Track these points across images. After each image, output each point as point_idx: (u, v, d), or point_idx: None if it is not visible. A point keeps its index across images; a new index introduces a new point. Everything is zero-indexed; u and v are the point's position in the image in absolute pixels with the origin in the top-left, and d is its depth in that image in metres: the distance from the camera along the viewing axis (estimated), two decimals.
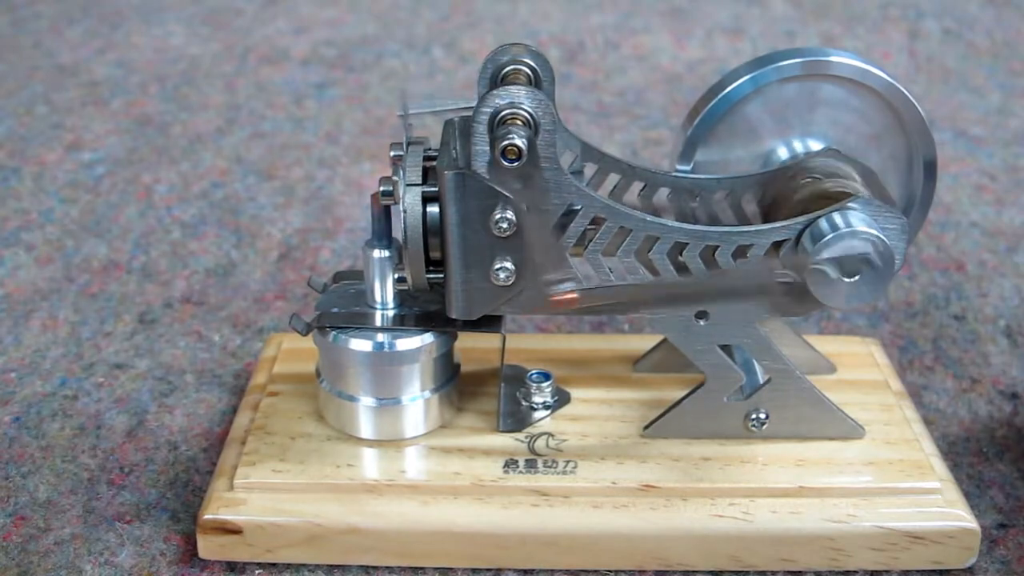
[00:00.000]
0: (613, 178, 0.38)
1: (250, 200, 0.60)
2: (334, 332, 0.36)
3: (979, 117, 0.71)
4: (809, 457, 0.37)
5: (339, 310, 0.37)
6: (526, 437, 0.38)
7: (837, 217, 0.33)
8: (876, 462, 0.37)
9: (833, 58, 0.36)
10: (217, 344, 0.48)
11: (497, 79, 0.36)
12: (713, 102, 0.37)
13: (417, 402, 0.37)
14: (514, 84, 0.35)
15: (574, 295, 0.35)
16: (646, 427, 0.38)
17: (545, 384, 0.39)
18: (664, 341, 0.40)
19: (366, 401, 0.37)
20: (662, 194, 0.38)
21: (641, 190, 0.38)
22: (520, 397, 0.39)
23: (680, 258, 0.34)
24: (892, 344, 0.48)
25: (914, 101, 0.36)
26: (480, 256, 0.34)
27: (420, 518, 0.35)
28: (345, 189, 0.61)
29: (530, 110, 0.32)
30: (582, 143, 0.38)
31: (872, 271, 0.33)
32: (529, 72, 0.36)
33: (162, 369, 0.46)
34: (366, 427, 0.37)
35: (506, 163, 0.32)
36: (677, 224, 0.34)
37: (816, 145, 0.37)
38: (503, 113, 0.32)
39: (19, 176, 0.62)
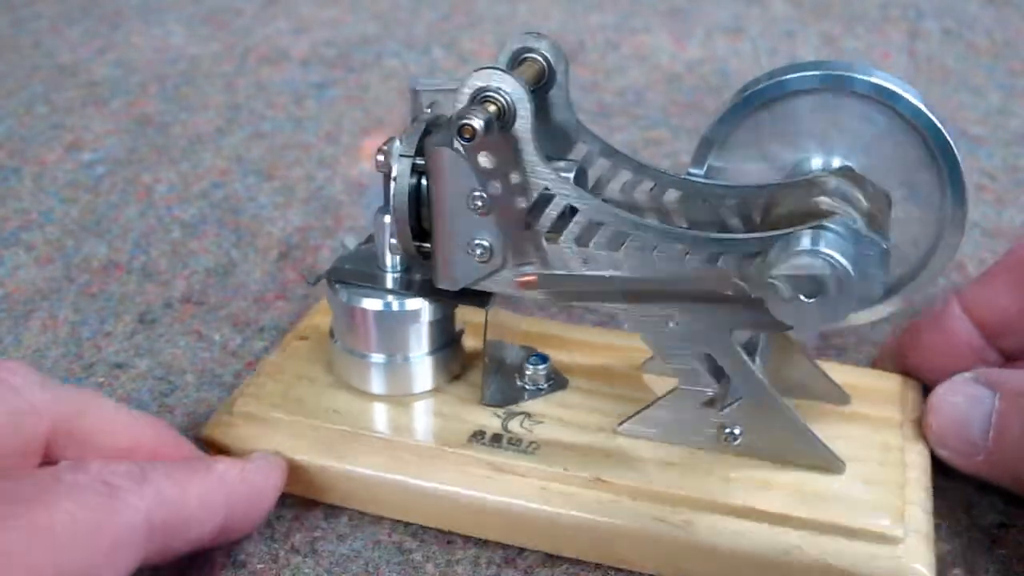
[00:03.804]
0: (624, 175, 0.38)
1: (250, 200, 0.60)
2: (338, 287, 0.39)
3: (979, 117, 0.71)
4: (776, 481, 0.36)
5: (352, 268, 0.40)
6: (505, 414, 0.39)
7: (805, 235, 0.32)
8: (845, 499, 0.35)
9: (857, 75, 0.35)
10: (217, 344, 0.48)
11: (511, 66, 0.37)
12: (732, 105, 0.36)
13: (408, 362, 0.39)
14: (521, 71, 0.36)
15: (533, 277, 0.36)
16: (620, 424, 0.38)
17: (540, 367, 0.40)
18: None
19: (361, 355, 0.39)
20: (672, 195, 0.38)
21: (650, 189, 0.38)
22: (517, 376, 0.40)
23: (652, 256, 0.34)
24: None
25: (940, 126, 0.35)
26: (459, 231, 0.36)
27: (382, 469, 0.37)
28: (345, 188, 0.61)
29: (507, 95, 0.33)
30: (597, 140, 0.38)
31: (827, 295, 0.31)
32: (543, 63, 0.37)
33: (162, 369, 0.46)
34: (359, 380, 0.40)
35: (461, 141, 0.33)
36: (651, 223, 0.34)
37: (837, 162, 0.37)
38: (481, 95, 0.33)
39: (19, 176, 0.62)
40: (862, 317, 0.39)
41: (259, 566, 0.36)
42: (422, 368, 0.40)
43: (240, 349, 0.47)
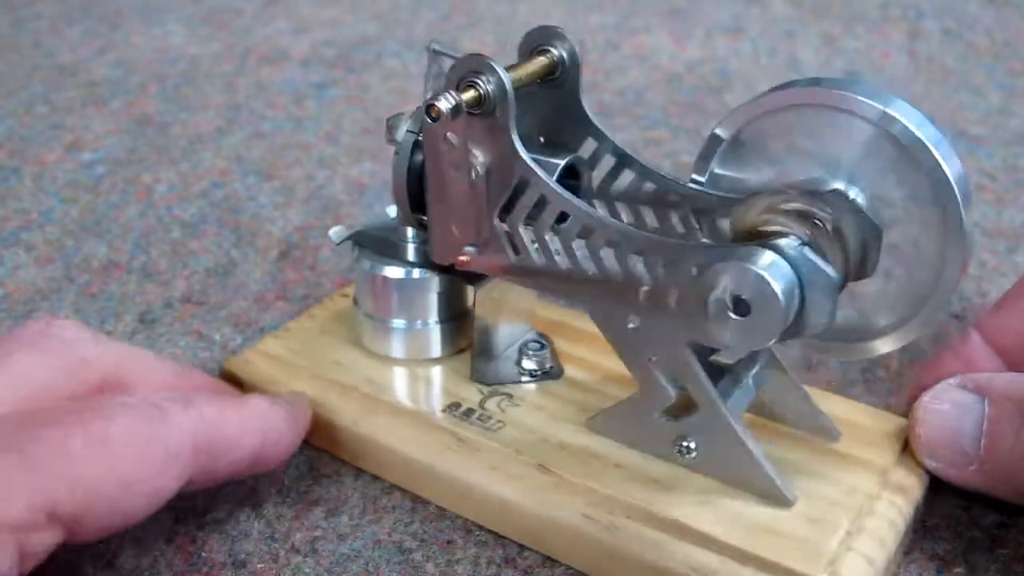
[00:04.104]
0: (628, 175, 0.38)
1: (250, 200, 0.60)
2: (357, 250, 0.41)
3: (979, 117, 0.71)
4: (719, 502, 0.35)
5: (375, 235, 0.42)
6: (489, 392, 0.40)
7: (742, 251, 0.31)
8: (780, 534, 0.33)
9: (857, 96, 0.33)
10: (218, 343, 0.48)
11: (526, 54, 0.38)
12: (736, 111, 0.35)
13: (411, 329, 0.41)
14: (534, 62, 0.37)
15: (467, 258, 0.37)
16: (588, 419, 0.38)
17: (535, 352, 0.41)
18: None
19: (367, 316, 0.42)
20: (672, 198, 0.37)
21: (653, 191, 0.37)
22: (515, 359, 0.41)
23: (606, 252, 0.35)
24: None
25: (943, 164, 0.32)
26: (448, 207, 0.37)
27: (361, 423, 0.39)
28: (345, 188, 0.61)
29: (490, 83, 0.34)
30: (607, 139, 0.38)
31: (752, 315, 0.30)
32: (557, 58, 0.37)
33: None
34: (366, 340, 0.42)
35: (428, 119, 0.34)
36: (615, 222, 0.34)
37: (840, 185, 0.34)
38: (466, 79, 0.34)
39: (19, 176, 0.62)
40: (876, 347, 0.36)
41: (259, 565, 0.36)
42: (423, 337, 0.41)
43: (240, 349, 0.47)
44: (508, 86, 0.34)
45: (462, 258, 0.38)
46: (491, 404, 0.39)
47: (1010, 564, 0.36)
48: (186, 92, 0.74)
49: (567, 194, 0.35)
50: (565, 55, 0.37)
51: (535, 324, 0.43)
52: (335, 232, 0.42)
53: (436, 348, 0.42)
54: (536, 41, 0.38)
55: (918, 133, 0.32)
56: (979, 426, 0.35)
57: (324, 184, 0.62)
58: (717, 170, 0.36)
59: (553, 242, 0.36)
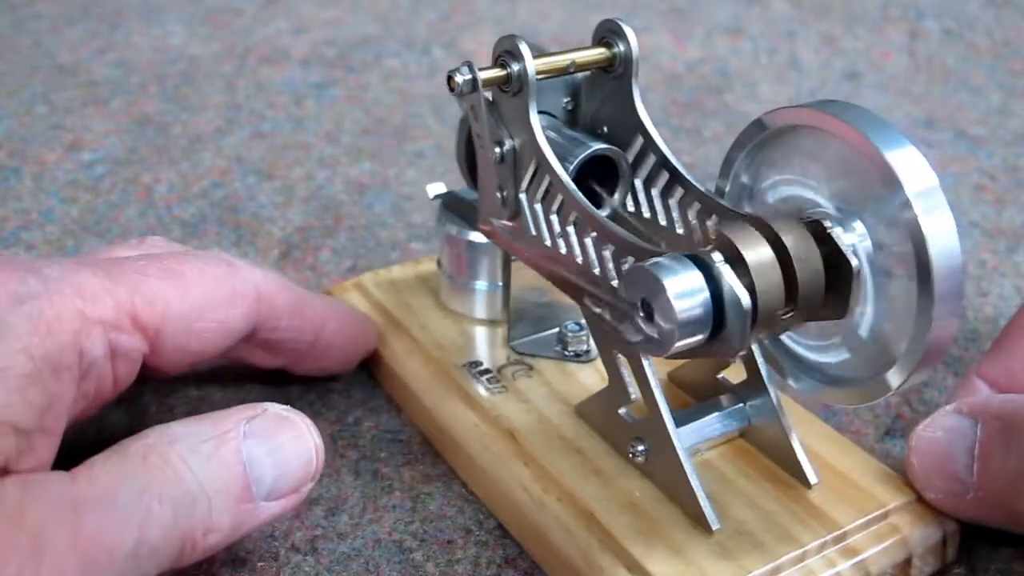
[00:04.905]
0: (663, 178, 0.38)
1: (250, 200, 0.60)
2: (440, 210, 0.44)
3: (979, 117, 0.71)
4: (646, 510, 0.34)
5: (460, 200, 0.44)
6: (514, 360, 0.42)
7: (670, 258, 0.30)
8: (683, 556, 0.32)
9: (894, 166, 0.29)
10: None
11: (595, 41, 0.39)
12: (751, 124, 0.34)
13: (469, 289, 0.44)
14: (586, 52, 0.38)
15: (490, 228, 0.40)
16: (578, 404, 0.39)
17: (572, 334, 0.42)
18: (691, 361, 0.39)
19: (444, 275, 0.45)
20: (696, 207, 0.37)
21: (680, 197, 0.37)
22: (556, 334, 0.42)
23: (587, 241, 0.35)
24: None
25: (932, 263, 0.29)
26: (489, 176, 0.38)
27: (401, 357, 0.43)
28: (345, 188, 0.61)
29: (519, 66, 0.36)
30: (651, 139, 0.38)
31: (656, 320, 0.30)
32: (615, 52, 0.38)
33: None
34: (441, 293, 0.45)
35: (448, 89, 0.36)
36: (599, 215, 0.35)
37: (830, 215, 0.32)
38: (500, 58, 0.36)
39: (19, 176, 0.62)
40: (870, 394, 0.32)
41: (259, 564, 0.36)
42: (478, 298, 0.44)
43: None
44: (531, 70, 0.35)
45: (484, 227, 0.40)
46: (508, 371, 0.41)
47: (1011, 564, 0.36)
48: (186, 92, 0.74)
49: (567, 180, 0.36)
50: (622, 50, 0.38)
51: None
52: (432, 188, 0.44)
53: (489, 310, 0.44)
54: (601, 32, 0.38)
55: (923, 226, 0.29)
56: (972, 451, 0.33)
57: (324, 184, 0.62)
58: (742, 160, 0.35)
59: (555, 225, 0.37)
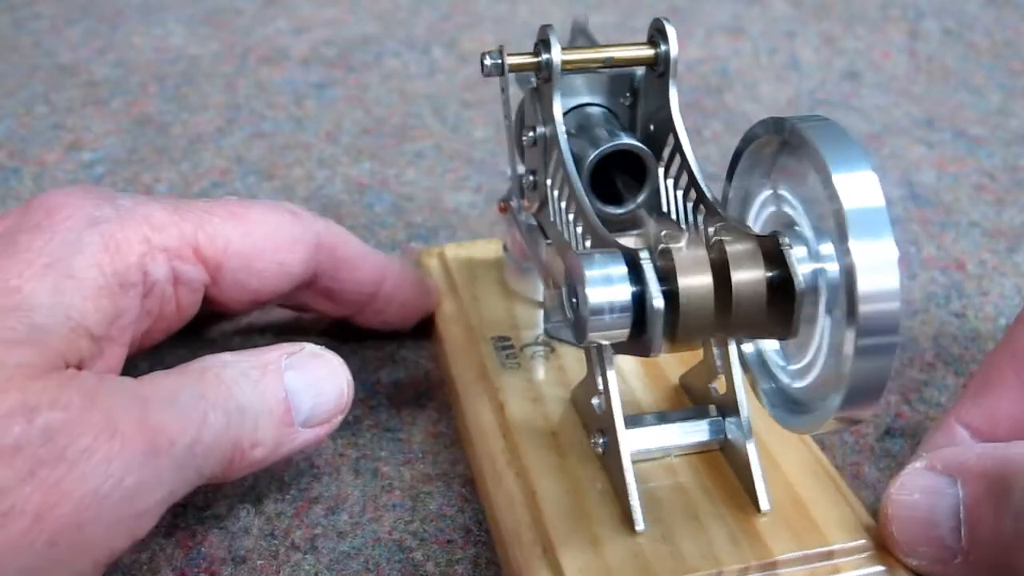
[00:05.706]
0: (684, 179, 0.38)
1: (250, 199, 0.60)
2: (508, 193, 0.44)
3: (979, 117, 0.71)
4: (590, 502, 0.34)
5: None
6: (540, 341, 0.43)
7: (606, 251, 0.31)
8: (596, 547, 0.33)
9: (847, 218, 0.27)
10: (218, 344, 0.47)
11: (648, 37, 0.39)
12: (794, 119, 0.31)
13: (529, 270, 0.45)
14: (627, 48, 0.38)
15: (503, 205, 0.43)
16: (572, 389, 0.39)
17: None
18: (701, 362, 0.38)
19: (509, 256, 0.46)
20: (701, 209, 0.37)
21: (695, 200, 0.37)
22: None
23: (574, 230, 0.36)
24: None
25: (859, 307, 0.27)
26: (514, 154, 0.41)
27: (447, 320, 0.46)
28: (345, 188, 0.61)
29: (545, 55, 0.37)
30: (679, 143, 0.37)
31: (577, 308, 0.31)
32: (656, 53, 0.38)
33: (163, 368, 0.46)
34: (506, 276, 0.47)
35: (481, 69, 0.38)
36: (587, 205, 0.35)
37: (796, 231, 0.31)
38: (537, 46, 0.37)
39: (19, 176, 0.62)
40: (818, 424, 0.30)
41: (259, 562, 0.36)
42: (532, 279, 0.45)
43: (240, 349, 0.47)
44: (556, 61, 0.37)
45: (503, 204, 0.42)
46: (529, 350, 0.42)
47: None
48: (186, 92, 0.74)
49: (572, 168, 0.36)
50: (663, 50, 0.38)
51: None
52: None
53: (537, 291, 0.45)
54: (651, 31, 0.39)
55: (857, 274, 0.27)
56: (956, 513, 0.31)
57: (324, 184, 0.62)
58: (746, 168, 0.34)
59: (561, 213, 0.38)
